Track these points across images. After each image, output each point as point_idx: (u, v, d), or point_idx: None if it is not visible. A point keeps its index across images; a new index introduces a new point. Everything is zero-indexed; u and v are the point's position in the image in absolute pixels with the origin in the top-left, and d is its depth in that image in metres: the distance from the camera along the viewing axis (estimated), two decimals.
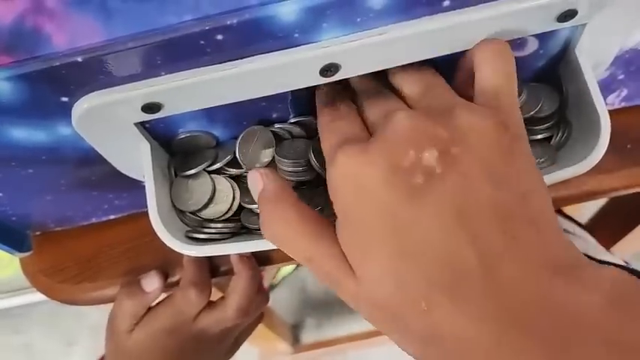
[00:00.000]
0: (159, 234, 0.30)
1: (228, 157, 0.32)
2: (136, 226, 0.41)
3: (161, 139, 0.32)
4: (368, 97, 0.28)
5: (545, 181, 0.25)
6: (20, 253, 0.40)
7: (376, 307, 0.22)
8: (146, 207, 0.39)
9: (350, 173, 0.23)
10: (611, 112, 0.30)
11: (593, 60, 0.31)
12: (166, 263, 0.41)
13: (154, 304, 0.40)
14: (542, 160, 0.31)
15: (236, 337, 0.44)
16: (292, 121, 0.33)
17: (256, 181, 0.27)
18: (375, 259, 0.22)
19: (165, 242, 0.30)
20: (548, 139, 0.32)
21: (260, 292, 0.43)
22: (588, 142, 0.29)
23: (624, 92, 0.37)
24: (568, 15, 0.27)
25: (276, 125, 0.33)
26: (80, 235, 0.42)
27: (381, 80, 0.29)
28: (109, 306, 0.42)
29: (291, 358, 1.26)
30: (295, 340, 1.29)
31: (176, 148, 0.33)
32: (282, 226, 0.25)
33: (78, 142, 0.30)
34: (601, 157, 0.29)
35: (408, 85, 0.27)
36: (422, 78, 0.27)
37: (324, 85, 0.30)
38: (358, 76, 0.29)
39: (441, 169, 0.21)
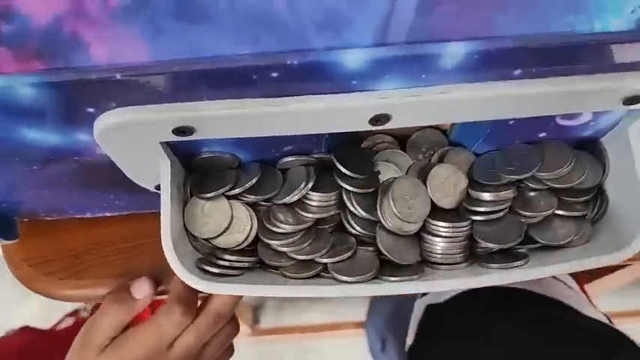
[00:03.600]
0: (170, 261, 0.28)
1: (249, 184, 0.30)
2: (133, 226, 0.39)
3: (182, 155, 0.30)
4: None
5: (582, 265, 0.25)
6: (6, 241, 0.37)
7: None
8: (147, 209, 0.38)
9: None
10: None
11: None
12: (160, 269, 0.39)
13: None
14: (577, 237, 0.30)
15: None
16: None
17: None
18: None
19: (176, 272, 0.28)
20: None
21: (233, 321, 0.41)
22: (628, 228, 0.29)
23: None
24: (634, 100, 0.26)
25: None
26: (71, 227, 0.39)
27: None
28: None
29: (249, 340, 1.25)
30: (255, 322, 1.28)
31: (196, 165, 0.31)
32: None
33: (93, 148, 0.28)
34: None
35: None
36: None
37: None
38: None
39: None
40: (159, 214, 0.29)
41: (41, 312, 1.23)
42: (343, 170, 0.30)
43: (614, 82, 0.25)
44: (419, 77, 0.24)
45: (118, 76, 0.23)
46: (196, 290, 0.38)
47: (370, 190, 0.30)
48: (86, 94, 0.24)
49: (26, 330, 0.81)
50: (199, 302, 0.39)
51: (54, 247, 0.39)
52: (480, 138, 0.31)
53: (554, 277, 0.50)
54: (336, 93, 0.25)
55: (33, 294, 0.40)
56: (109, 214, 0.39)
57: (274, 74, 0.23)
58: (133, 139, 0.26)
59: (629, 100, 0.26)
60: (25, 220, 0.39)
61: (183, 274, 0.28)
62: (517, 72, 0.24)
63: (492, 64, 0.24)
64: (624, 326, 0.47)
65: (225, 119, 0.25)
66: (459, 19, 0.22)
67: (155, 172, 0.30)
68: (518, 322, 0.42)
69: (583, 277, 0.72)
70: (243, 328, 1.25)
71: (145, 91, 0.24)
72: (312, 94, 0.25)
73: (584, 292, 0.53)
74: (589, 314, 0.46)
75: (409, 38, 0.22)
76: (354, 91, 0.25)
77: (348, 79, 0.24)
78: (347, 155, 0.30)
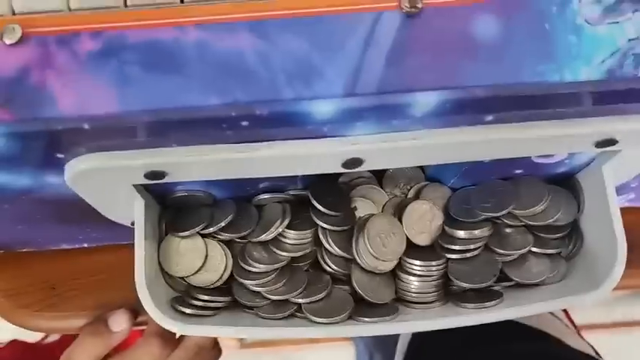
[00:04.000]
0: (143, 302, 0.28)
1: (224, 222, 0.30)
2: (109, 257, 0.39)
3: (156, 193, 0.30)
4: None
5: (557, 305, 0.25)
6: None
7: None
8: (125, 241, 0.37)
9: None
10: None
11: (616, 177, 0.30)
12: (138, 300, 0.38)
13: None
14: (551, 274, 0.30)
15: None
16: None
17: None
18: None
19: (149, 313, 0.28)
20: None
21: (214, 347, 0.41)
22: (602, 266, 0.29)
23: (632, 196, 0.37)
24: (607, 143, 0.26)
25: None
26: (48, 259, 0.39)
27: None
28: None
29: (235, 352, 1.25)
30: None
31: (171, 202, 0.31)
32: None
33: (65, 189, 0.27)
34: (615, 284, 0.28)
35: None
36: None
37: None
38: None
39: None
40: None
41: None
42: (319, 207, 0.30)
43: (586, 127, 0.25)
44: (390, 123, 0.24)
45: (86, 126, 0.22)
46: None
47: (346, 228, 0.30)
48: (55, 142, 0.24)
49: (15, 343, 0.80)
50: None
51: (29, 279, 0.39)
52: (457, 174, 0.31)
53: None
54: (308, 138, 0.25)
55: None
56: (86, 245, 0.39)
57: (244, 123, 0.23)
58: (104, 183, 0.26)
59: (601, 144, 0.26)
60: (1, 252, 0.39)
61: (156, 315, 0.28)
62: (489, 118, 0.24)
63: (464, 111, 0.24)
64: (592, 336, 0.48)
65: (195, 165, 0.25)
66: (429, 69, 0.22)
67: (130, 210, 0.29)
68: (502, 356, 0.42)
69: None
70: (230, 341, 1.24)
71: (115, 138, 0.24)
72: (284, 139, 0.24)
73: (570, 319, 0.53)
74: (576, 346, 0.46)
75: (379, 89, 0.22)
76: (326, 137, 0.24)
77: (320, 126, 0.24)
78: (323, 192, 0.30)
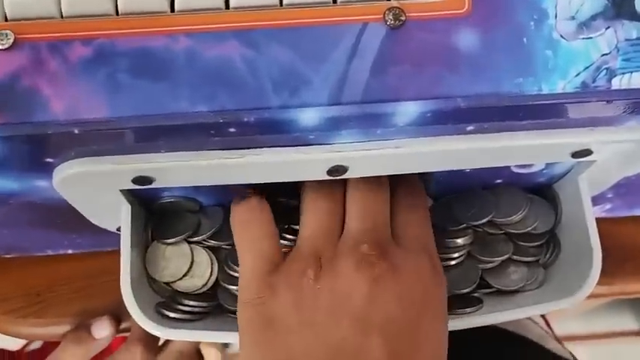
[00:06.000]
0: (128, 306, 0.28)
1: (211, 232, 0.30)
2: (93, 264, 0.39)
3: (143, 199, 0.30)
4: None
5: (535, 311, 0.26)
6: None
7: None
8: (110, 247, 0.38)
9: None
10: None
11: (592, 187, 0.31)
12: (120, 307, 0.38)
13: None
14: (529, 282, 0.31)
15: None
16: None
17: None
18: None
19: (134, 317, 0.28)
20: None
21: (196, 356, 0.41)
22: (578, 274, 0.29)
23: (608, 206, 0.38)
24: (583, 153, 0.27)
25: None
26: (31, 265, 0.39)
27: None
28: None
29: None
30: (224, 346, 1.27)
31: (157, 208, 0.31)
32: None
33: (52, 193, 0.28)
34: (590, 291, 0.29)
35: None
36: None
37: None
38: None
39: None
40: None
41: None
42: None
43: (563, 138, 0.26)
44: (374, 132, 0.25)
45: (76, 131, 0.23)
46: None
47: None
48: (45, 146, 0.24)
49: None
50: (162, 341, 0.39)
51: (13, 285, 0.39)
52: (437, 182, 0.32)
53: None
54: (294, 146, 0.25)
55: None
56: (70, 252, 0.39)
57: (232, 129, 0.23)
58: (92, 188, 0.27)
59: (577, 154, 0.27)
60: None
61: (141, 319, 0.28)
62: (470, 127, 0.25)
63: (445, 120, 0.24)
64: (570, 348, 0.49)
65: (183, 170, 0.25)
66: (411, 80, 0.23)
67: (116, 215, 0.30)
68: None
69: None
70: (214, 353, 1.24)
71: (104, 143, 0.24)
72: (270, 146, 0.25)
73: (549, 325, 0.54)
74: (557, 351, 0.47)
75: (364, 98, 0.23)
76: (311, 144, 0.25)
77: (306, 134, 0.24)
78: None
